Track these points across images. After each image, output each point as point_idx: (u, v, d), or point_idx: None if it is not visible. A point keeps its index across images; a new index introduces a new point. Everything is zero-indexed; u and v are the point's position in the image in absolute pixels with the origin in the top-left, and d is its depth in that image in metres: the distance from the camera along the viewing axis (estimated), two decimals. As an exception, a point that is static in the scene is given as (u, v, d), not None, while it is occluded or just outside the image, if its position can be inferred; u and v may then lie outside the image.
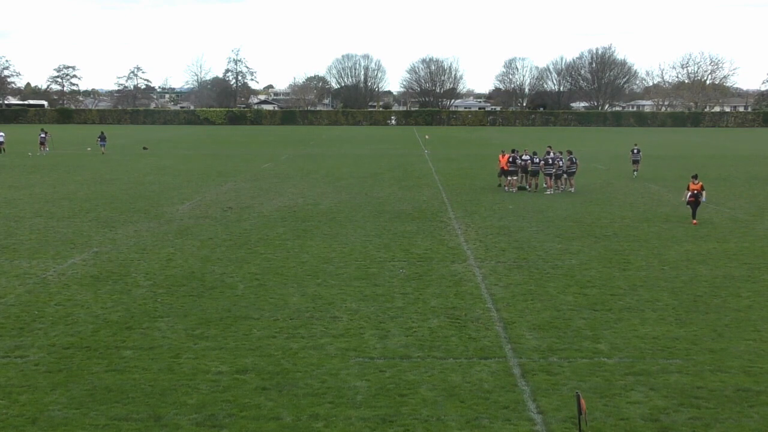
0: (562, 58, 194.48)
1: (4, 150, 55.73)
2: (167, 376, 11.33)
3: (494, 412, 10.16)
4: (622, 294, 16.25)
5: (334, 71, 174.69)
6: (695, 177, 26.17)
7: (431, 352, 12.47)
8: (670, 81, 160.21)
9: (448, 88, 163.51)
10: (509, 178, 35.09)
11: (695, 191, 25.62)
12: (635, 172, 41.63)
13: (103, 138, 57.96)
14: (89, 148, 60.95)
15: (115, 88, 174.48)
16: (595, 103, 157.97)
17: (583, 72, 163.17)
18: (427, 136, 59.14)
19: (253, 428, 9.65)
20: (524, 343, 12.99)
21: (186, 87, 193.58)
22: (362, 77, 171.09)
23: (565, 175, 34.76)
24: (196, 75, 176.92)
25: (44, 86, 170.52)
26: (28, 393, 10.71)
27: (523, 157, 35.59)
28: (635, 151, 42.03)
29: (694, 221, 25.36)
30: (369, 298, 15.83)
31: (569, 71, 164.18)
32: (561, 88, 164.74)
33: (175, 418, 9.89)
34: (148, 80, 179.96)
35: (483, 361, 12.06)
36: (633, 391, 10.86)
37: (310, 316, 14.53)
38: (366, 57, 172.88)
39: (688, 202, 25.87)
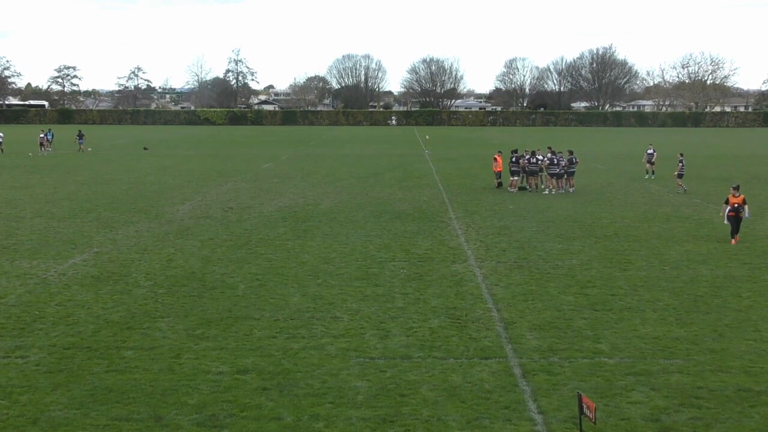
0: (562, 58, 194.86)
1: (2, 150, 55.81)
2: (168, 377, 11.34)
3: (495, 412, 10.16)
4: (623, 294, 16.24)
5: (334, 71, 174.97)
6: (737, 188, 22.33)
7: (432, 353, 12.47)
8: (670, 81, 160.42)
9: (448, 88, 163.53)
10: (511, 178, 35.13)
11: (736, 205, 21.96)
12: (652, 174, 40.66)
13: (80, 136, 59.99)
14: (90, 149, 61.03)
15: (116, 88, 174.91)
16: (596, 103, 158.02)
17: (583, 72, 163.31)
18: (427, 137, 59.06)
19: (253, 428, 9.65)
20: (525, 343, 12.99)
21: (186, 87, 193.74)
22: (363, 77, 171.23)
23: (565, 175, 34.79)
24: (197, 75, 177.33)
25: (45, 86, 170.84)
26: (28, 393, 10.71)
27: (526, 157, 35.65)
28: (650, 152, 41.39)
29: (733, 240, 22.00)
30: (369, 298, 15.83)
31: (570, 71, 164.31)
32: (561, 88, 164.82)
33: (175, 419, 9.89)
34: (148, 80, 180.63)
35: (483, 362, 12.06)
36: (634, 391, 10.85)
37: (310, 316, 14.53)
38: (366, 57, 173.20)
39: (728, 218, 22.10)
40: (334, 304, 15.38)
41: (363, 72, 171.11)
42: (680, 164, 34.80)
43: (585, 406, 8.81)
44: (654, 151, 41.57)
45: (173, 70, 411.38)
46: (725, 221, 22.42)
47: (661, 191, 34.80)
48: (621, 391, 10.85)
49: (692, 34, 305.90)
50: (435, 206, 29.45)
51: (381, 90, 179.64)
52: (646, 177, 40.59)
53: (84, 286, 16.62)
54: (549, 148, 36.58)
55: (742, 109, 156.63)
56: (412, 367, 11.78)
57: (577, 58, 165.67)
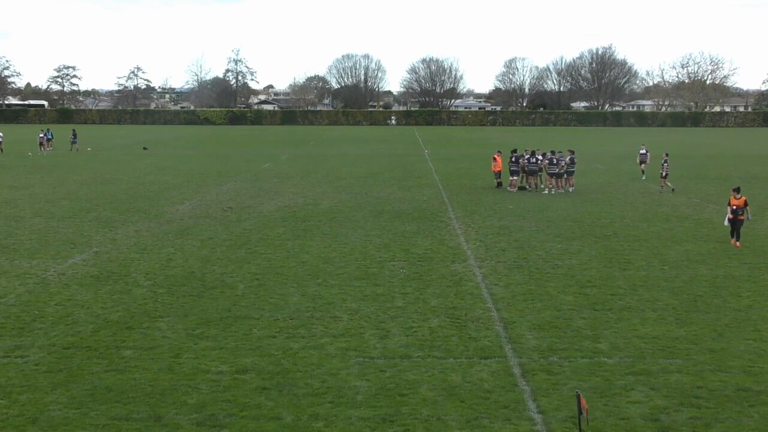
0: (562, 58, 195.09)
1: (2, 150, 55.83)
2: (167, 376, 11.34)
3: (494, 411, 10.16)
4: (623, 294, 16.24)
5: (334, 71, 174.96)
6: (737, 190, 21.76)
7: (431, 352, 12.47)
8: (670, 81, 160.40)
9: (448, 88, 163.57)
10: (511, 178, 35.13)
11: (736, 207, 21.44)
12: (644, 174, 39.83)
13: (74, 135, 61.71)
14: (89, 148, 61.05)
15: (116, 88, 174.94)
16: (596, 103, 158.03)
17: (583, 72, 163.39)
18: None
19: (253, 428, 9.65)
20: (524, 342, 12.99)
21: (186, 87, 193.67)
22: (362, 77, 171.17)
23: (565, 175, 34.81)
24: (196, 75, 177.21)
25: (44, 86, 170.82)
26: (28, 393, 10.71)
27: (526, 157, 35.61)
28: (643, 152, 40.65)
29: (733, 241, 21.56)
30: (369, 297, 15.83)
31: (569, 71, 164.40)
32: (561, 88, 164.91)
33: (175, 418, 9.89)
34: (148, 80, 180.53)
35: (483, 361, 12.06)
36: (633, 391, 10.86)
37: (310, 315, 14.53)
38: (366, 57, 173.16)
39: (728, 220, 21.72)
40: (333, 303, 15.38)
41: (363, 72, 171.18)
42: (665, 164, 34.99)
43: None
44: (647, 152, 41.11)
45: (173, 70, 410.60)
46: (725, 223, 22.07)
47: (661, 191, 34.78)
48: (620, 391, 10.85)
49: (692, 34, 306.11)
50: (435, 206, 29.45)
51: (381, 90, 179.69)
52: (643, 178, 39.98)
53: (83, 286, 16.62)
54: (544, 153, 36.04)
55: (741, 109, 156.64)
56: (412, 367, 11.78)
57: (577, 58, 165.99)
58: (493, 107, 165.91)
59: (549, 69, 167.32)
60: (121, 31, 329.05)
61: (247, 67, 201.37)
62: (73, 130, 63.79)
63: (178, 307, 15.02)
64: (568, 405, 10.24)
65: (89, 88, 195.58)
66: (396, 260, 19.46)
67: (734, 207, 21.51)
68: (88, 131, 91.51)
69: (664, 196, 33.11)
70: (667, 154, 35.93)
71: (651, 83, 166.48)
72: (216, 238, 22.42)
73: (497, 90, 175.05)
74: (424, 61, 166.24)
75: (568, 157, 34.94)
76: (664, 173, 34.80)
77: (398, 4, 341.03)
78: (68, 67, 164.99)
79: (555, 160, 34.65)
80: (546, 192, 34.07)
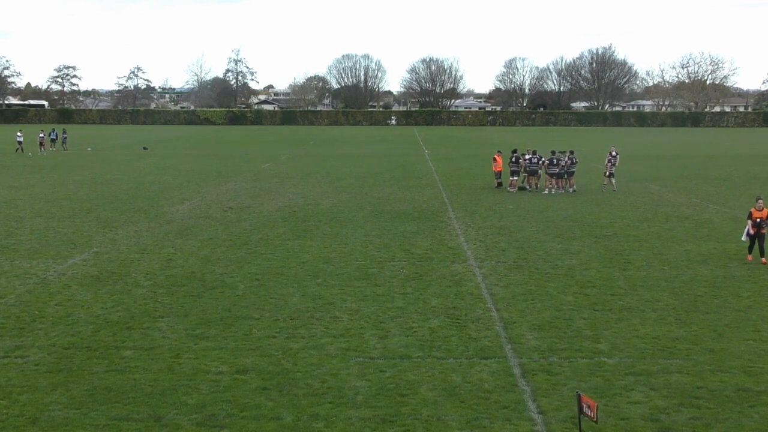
0: (562, 58, 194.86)
1: (22, 150, 55.63)
2: (167, 376, 11.33)
3: (494, 412, 10.16)
4: (623, 294, 16.24)
5: (334, 71, 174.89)
6: (760, 200, 19.62)
7: (431, 352, 12.47)
8: (670, 81, 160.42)
9: (448, 88, 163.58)
10: (511, 178, 35.14)
11: (758, 220, 19.16)
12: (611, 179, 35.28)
13: (63, 133, 62.81)
14: (89, 149, 61.03)
15: (116, 88, 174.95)
16: (596, 103, 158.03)
17: (583, 72, 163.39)
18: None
19: (253, 428, 9.65)
20: (524, 343, 12.99)
21: (186, 87, 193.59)
22: (362, 77, 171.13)
23: (566, 175, 34.82)
24: (197, 75, 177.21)
25: (44, 86, 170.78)
26: (28, 393, 10.71)
27: (526, 157, 35.60)
28: (614, 153, 35.95)
29: (750, 256, 19.55)
30: (369, 298, 15.83)
31: (569, 71, 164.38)
32: (561, 88, 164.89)
33: (175, 418, 9.89)
34: (148, 80, 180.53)
35: (483, 361, 12.06)
36: (633, 391, 10.85)
37: (310, 316, 14.52)
38: (366, 57, 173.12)
39: (749, 235, 19.38)
40: (333, 303, 15.38)
41: (363, 72, 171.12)
42: (609, 164, 35.27)
43: (585, 406, 8.80)
44: (617, 153, 37.10)
45: (173, 70, 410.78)
46: (743, 238, 19.72)
47: (661, 191, 34.81)
48: (620, 391, 10.85)
49: (692, 34, 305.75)
50: (435, 206, 29.45)
51: (381, 90, 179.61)
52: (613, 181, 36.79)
53: (83, 286, 16.62)
54: (535, 151, 35.83)
55: (741, 109, 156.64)
56: (412, 367, 11.77)
57: (577, 58, 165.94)
58: (493, 107, 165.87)
59: (549, 69, 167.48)
60: (121, 31, 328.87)
61: (247, 67, 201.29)
62: (64, 130, 64.14)
63: (178, 308, 15.02)
64: (568, 405, 10.23)
65: (89, 88, 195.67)
66: (396, 260, 19.46)
67: (757, 220, 19.19)
68: (89, 131, 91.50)
69: (665, 196, 33.13)
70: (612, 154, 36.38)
71: (651, 83, 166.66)
72: (216, 238, 22.42)
73: (497, 90, 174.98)
74: (424, 61, 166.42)
75: (568, 158, 34.96)
76: (607, 173, 35.22)
77: (398, 4, 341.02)
78: (68, 67, 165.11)
79: (555, 160, 34.65)
80: (546, 192, 34.08)
